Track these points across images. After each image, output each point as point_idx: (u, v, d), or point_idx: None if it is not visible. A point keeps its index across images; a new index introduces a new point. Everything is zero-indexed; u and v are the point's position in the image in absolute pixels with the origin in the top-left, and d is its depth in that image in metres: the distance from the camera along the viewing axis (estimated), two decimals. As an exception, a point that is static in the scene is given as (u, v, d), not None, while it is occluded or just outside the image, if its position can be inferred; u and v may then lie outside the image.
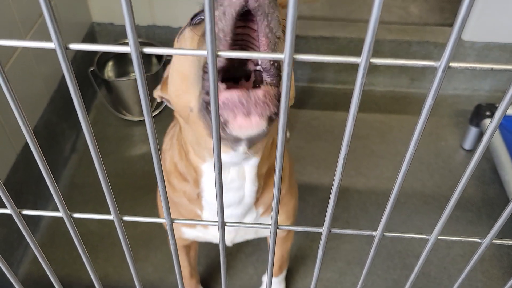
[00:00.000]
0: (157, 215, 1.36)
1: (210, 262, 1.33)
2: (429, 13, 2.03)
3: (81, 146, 1.61)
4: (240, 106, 0.46)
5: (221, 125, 0.49)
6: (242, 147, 0.56)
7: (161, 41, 1.75)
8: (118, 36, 1.80)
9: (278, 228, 0.42)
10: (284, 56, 0.28)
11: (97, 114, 1.73)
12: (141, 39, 1.74)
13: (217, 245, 1.35)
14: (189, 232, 0.92)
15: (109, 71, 1.74)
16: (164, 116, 1.69)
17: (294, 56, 0.27)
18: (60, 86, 1.52)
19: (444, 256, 1.33)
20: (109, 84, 1.65)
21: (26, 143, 1.30)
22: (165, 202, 0.38)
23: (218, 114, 0.30)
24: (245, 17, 0.45)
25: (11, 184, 1.23)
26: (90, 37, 1.76)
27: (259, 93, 0.46)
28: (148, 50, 0.28)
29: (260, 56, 0.29)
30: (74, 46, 0.28)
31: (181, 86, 0.58)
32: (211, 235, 0.90)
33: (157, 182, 0.73)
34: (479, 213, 1.44)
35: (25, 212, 0.41)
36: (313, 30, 1.78)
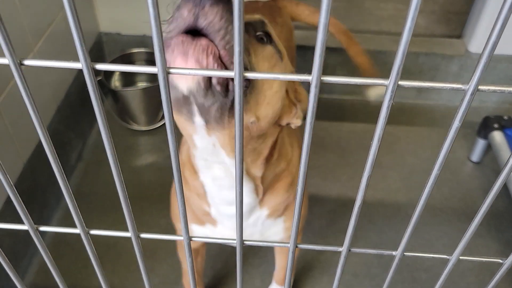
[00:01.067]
0: (166, 226, 1.35)
1: (216, 271, 1.32)
2: (436, 25, 2.03)
3: (87, 155, 1.61)
4: (180, 46, 0.48)
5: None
6: (198, 119, 0.57)
7: (168, 51, 1.76)
8: (125, 46, 1.81)
9: (297, 247, 0.41)
10: (312, 77, 0.27)
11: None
12: (148, 49, 1.75)
13: (224, 252, 1.35)
14: (198, 231, 0.92)
15: (116, 80, 1.74)
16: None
17: (322, 78, 0.27)
18: (67, 96, 1.52)
19: (452, 270, 1.32)
20: (115, 94, 1.65)
21: (33, 152, 1.30)
22: (184, 220, 0.38)
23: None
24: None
25: (18, 193, 1.22)
26: (98, 47, 1.77)
27: (203, 41, 0.48)
28: (174, 70, 0.28)
29: (287, 78, 0.28)
30: (100, 67, 0.28)
31: None
32: (220, 234, 0.90)
33: (167, 191, 0.71)
34: (488, 226, 1.43)
35: (42, 228, 0.40)
36: (320, 40, 1.78)
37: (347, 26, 1.95)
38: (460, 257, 0.42)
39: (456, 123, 0.29)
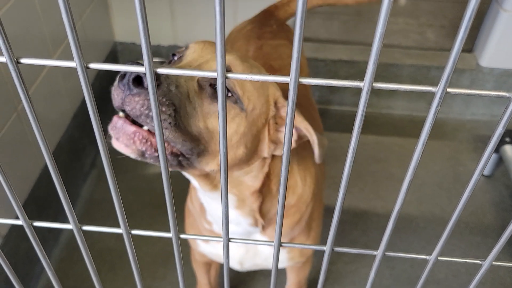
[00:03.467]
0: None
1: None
2: (446, 39, 2.05)
3: (101, 162, 1.63)
4: (113, 130, 0.58)
5: None
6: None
7: (182, 61, 1.78)
8: (140, 56, 1.83)
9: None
10: (289, 79, 0.29)
11: (116, 131, 1.75)
12: (162, 59, 1.77)
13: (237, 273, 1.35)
14: (203, 246, 0.93)
15: (130, 89, 1.76)
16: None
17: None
18: (83, 103, 1.54)
19: (464, 282, 1.32)
20: (130, 102, 1.67)
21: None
22: (172, 216, 0.39)
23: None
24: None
25: (34, 199, 1.24)
26: (113, 56, 1.79)
27: (129, 128, 0.57)
28: (161, 70, 0.29)
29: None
30: (93, 66, 0.30)
31: None
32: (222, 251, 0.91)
33: (181, 199, 0.71)
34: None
35: (36, 223, 0.42)
36: (332, 53, 1.80)
37: (357, 39, 1.97)
38: (439, 258, 0.43)
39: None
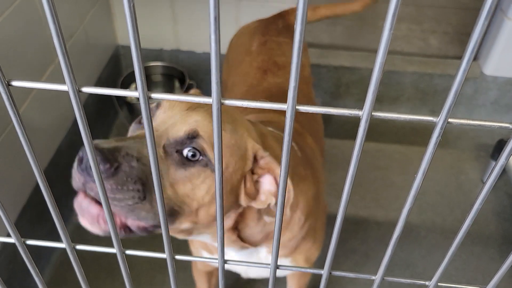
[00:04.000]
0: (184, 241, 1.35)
1: (226, 290, 1.31)
2: (449, 46, 2.04)
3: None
4: (79, 209, 0.58)
5: None
6: None
7: (184, 66, 1.78)
8: (142, 59, 1.83)
9: (278, 268, 0.41)
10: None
11: (117, 134, 1.75)
12: (164, 63, 1.77)
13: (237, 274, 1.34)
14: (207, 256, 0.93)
15: (131, 93, 1.76)
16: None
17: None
18: (85, 107, 1.53)
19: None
20: (131, 106, 1.67)
21: (47, 166, 1.31)
22: (166, 236, 0.38)
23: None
24: None
25: (27, 214, 1.23)
26: (115, 59, 1.79)
27: (93, 209, 0.56)
28: (155, 95, 0.29)
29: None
30: (86, 90, 0.29)
31: None
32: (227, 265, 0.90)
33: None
34: (500, 250, 1.42)
35: (29, 242, 0.41)
36: (334, 59, 1.79)
37: (360, 45, 1.96)
38: (439, 284, 0.42)
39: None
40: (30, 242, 0.41)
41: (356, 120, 0.29)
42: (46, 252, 1.33)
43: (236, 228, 0.74)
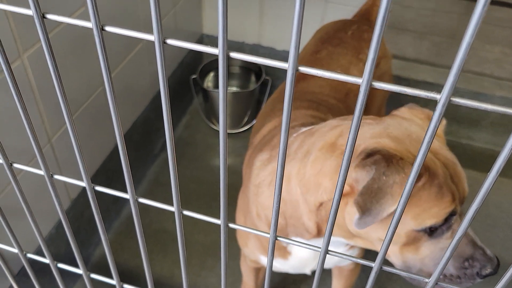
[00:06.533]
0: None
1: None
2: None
3: (170, 147, 1.68)
4: None
5: None
6: None
7: (263, 61, 1.80)
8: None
9: (328, 253, 0.40)
10: (362, 80, 0.27)
11: (190, 119, 1.80)
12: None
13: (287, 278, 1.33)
14: (266, 260, 0.92)
15: (209, 81, 1.81)
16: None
17: (372, 83, 0.26)
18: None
19: None
20: (206, 93, 1.72)
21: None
22: (224, 204, 0.38)
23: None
24: None
25: (105, 170, 1.31)
26: (198, 47, 1.85)
27: None
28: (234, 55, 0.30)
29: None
30: (171, 42, 0.30)
31: None
32: (289, 265, 0.89)
33: (237, 194, 0.70)
34: None
35: (98, 188, 0.43)
36: (416, 73, 1.73)
37: (446, 63, 1.88)
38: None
39: None
40: (98, 188, 0.44)
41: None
42: (108, 219, 1.41)
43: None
